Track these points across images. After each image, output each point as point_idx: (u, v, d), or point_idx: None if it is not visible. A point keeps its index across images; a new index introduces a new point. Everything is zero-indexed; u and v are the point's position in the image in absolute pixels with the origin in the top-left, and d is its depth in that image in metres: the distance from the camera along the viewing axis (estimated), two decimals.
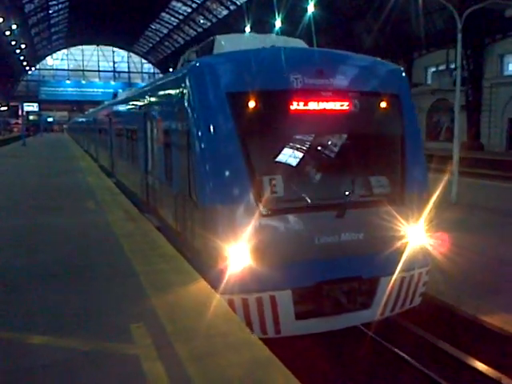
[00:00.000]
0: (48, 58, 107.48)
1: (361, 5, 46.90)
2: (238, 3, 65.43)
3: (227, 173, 6.59)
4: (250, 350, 4.57)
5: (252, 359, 4.41)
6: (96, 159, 27.92)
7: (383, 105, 7.44)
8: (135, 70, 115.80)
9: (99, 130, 25.42)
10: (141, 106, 12.08)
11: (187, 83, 7.33)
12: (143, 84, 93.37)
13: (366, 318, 7.31)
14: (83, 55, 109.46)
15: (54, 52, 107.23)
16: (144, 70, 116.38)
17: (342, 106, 7.16)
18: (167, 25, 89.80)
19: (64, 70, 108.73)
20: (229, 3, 68.11)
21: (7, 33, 58.53)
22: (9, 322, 5.37)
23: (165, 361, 4.37)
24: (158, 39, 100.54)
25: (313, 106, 7.00)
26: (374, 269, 7.05)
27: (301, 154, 7.07)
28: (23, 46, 69.64)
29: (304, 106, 6.95)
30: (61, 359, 4.48)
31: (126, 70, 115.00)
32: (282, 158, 6.95)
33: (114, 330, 5.09)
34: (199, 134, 6.82)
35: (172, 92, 8.56)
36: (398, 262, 7.10)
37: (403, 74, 8.20)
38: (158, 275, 6.90)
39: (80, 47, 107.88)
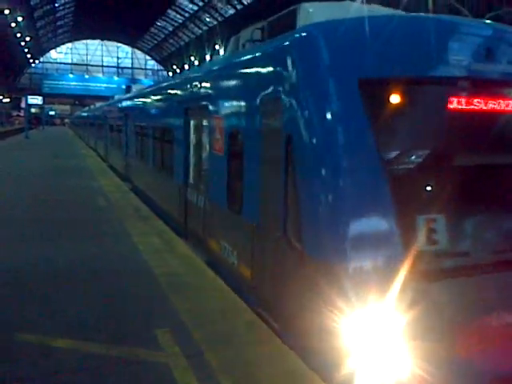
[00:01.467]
0: (52, 52, 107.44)
1: None
2: (245, 3, 65.41)
3: (361, 209, 4.18)
4: (284, 360, 4.42)
5: (286, 371, 4.25)
6: (105, 159, 25.58)
7: None
8: (139, 67, 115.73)
9: (110, 126, 22.97)
10: (180, 99, 9.77)
11: (288, 64, 4.96)
12: (147, 81, 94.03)
13: None
14: (87, 49, 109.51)
15: (59, 45, 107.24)
16: (148, 67, 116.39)
17: None
18: (173, 22, 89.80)
19: (67, 63, 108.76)
20: (235, 2, 68.03)
21: (13, 25, 58.39)
22: (33, 326, 5.20)
23: (196, 371, 4.22)
24: (162, 36, 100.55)
25: (481, 104, 4.66)
26: None
27: (470, 181, 4.63)
28: (28, 39, 69.50)
29: (467, 104, 4.60)
30: (90, 364, 4.33)
31: (130, 65, 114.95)
32: (443, 186, 4.52)
33: (140, 335, 4.93)
34: (313, 143, 4.48)
35: (250, 78, 6.28)
36: None
37: None
38: (176, 278, 6.75)
39: (84, 41, 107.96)
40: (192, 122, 8.80)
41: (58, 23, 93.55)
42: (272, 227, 5.20)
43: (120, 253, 7.98)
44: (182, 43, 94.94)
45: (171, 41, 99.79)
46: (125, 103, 18.57)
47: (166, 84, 12.40)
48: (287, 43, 5.28)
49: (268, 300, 5.38)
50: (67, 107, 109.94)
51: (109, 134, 24.01)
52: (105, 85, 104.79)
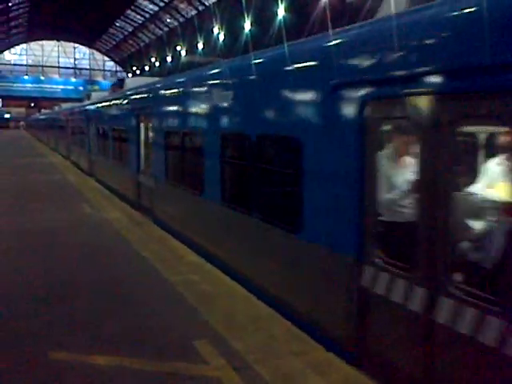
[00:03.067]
0: (6, 53, 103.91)
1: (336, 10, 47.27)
2: (207, 4, 65.08)
3: None
4: (334, 370, 4.34)
5: (340, 380, 4.19)
6: (90, 172, 20.05)
7: None
8: (97, 68, 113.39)
9: (102, 131, 17.50)
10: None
11: None
12: (106, 82, 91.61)
13: None
14: (43, 51, 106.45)
15: (13, 47, 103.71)
16: (106, 68, 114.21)
17: None
18: (132, 23, 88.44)
19: (22, 65, 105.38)
20: (197, 3, 67.65)
21: None
22: (70, 343, 4.95)
23: None
24: (121, 37, 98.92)
25: None
26: None
27: None
28: None
29: None
30: (136, 382, 4.14)
31: (88, 67, 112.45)
32: None
33: (178, 348, 4.76)
34: None
35: None
36: None
37: None
38: (193, 286, 6.58)
39: (40, 42, 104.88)
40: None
41: (12, 23, 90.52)
42: None
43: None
44: (142, 44, 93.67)
45: (131, 41, 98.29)
46: (140, 100, 12.54)
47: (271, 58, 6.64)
48: None
49: None
50: (22, 110, 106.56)
51: (98, 142, 18.41)
52: (61, 86, 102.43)
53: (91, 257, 8.02)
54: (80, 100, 37.48)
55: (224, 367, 4.37)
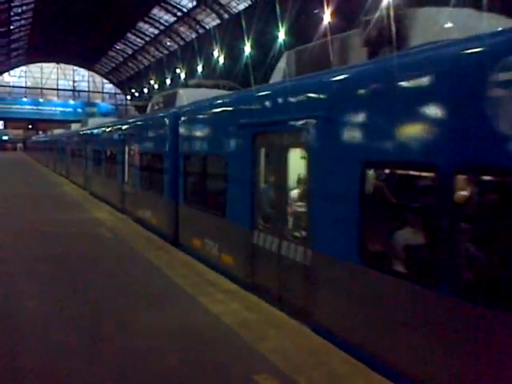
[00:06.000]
0: (5, 75, 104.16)
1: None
2: (207, 27, 65.76)
3: None
4: None
5: None
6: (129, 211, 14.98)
7: None
8: (95, 90, 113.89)
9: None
10: None
11: None
12: (104, 104, 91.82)
13: None
14: (42, 73, 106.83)
15: (12, 69, 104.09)
16: (105, 90, 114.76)
17: None
18: (132, 45, 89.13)
19: (21, 87, 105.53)
20: (198, 27, 68.31)
21: None
22: None
23: None
24: (121, 59, 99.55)
25: None
26: None
27: None
28: None
29: None
30: None
31: (86, 89, 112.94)
32: None
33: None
34: None
35: None
36: None
37: None
38: (236, 316, 6.38)
39: (39, 64, 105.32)
40: None
41: (13, 46, 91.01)
42: None
43: None
44: (142, 66, 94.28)
45: (130, 64, 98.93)
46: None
47: None
48: None
49: None
50: (20, 131, 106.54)
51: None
52: (60, 108, 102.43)
53: None
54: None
55: None
